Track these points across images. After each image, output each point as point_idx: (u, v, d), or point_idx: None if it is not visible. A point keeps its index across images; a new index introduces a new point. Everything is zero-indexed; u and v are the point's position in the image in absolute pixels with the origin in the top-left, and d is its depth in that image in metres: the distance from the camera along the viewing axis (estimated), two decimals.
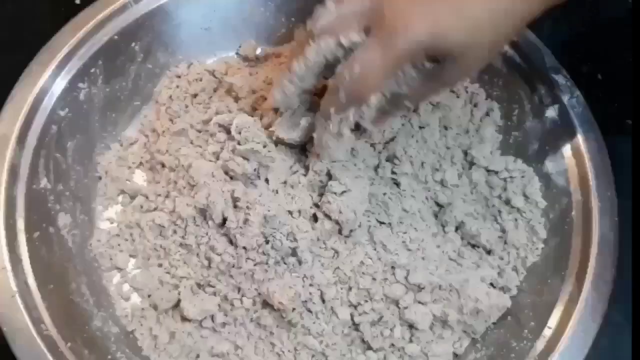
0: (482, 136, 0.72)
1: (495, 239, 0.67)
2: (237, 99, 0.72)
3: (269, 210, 0.63)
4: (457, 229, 0.68)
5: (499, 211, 0.69)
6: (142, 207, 0.69)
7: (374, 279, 0.64)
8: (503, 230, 0.68)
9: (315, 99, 0.63)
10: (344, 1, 0.57)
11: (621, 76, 0.65)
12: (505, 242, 0.67)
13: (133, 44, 0.73)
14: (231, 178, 0.66)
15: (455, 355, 0.65)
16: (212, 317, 0.64)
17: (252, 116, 0.67)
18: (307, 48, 0.57)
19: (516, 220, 0.68)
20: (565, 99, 0.68)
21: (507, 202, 0.69)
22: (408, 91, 0.56)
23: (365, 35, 0.54)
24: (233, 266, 0.64)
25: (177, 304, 0.64)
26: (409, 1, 0.53)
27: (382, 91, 0.56)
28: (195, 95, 0.75)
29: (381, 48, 0.53)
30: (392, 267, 0.64)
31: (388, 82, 0.55)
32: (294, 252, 0.64)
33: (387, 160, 0.68)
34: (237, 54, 0.79)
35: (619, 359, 0.63)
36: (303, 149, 0.67)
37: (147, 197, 0.69)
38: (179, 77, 0.76)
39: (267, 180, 0.66)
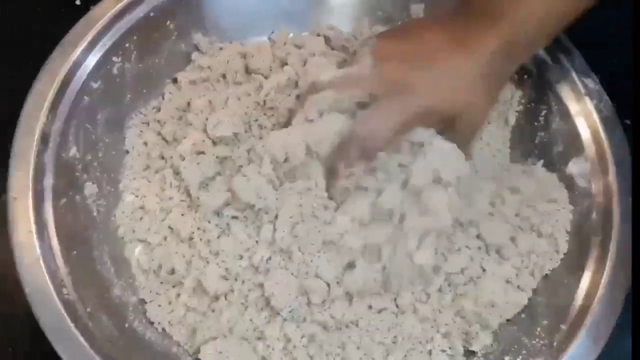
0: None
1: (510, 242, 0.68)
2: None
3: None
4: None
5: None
6: (166, 182, 0.70)
7: None
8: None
9: None
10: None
11: (620, 76, 0.64)
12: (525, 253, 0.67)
13: (168, 22, 0.73)
14: None
15: (467, 350, 0.65)
16: (229, 294, 0.65)
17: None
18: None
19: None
20: (593, 102, 0.68)
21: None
22: None
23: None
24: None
25: (195, 279, 0.65)
26: (414, 68, 0.61)
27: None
28: (224, 76, 0.76)
29: (393, 108, 0.60)
30: None
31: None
32: None
33: None
34: (269, 38, 0.79)
35: (619, 358, 0.63)
36: None
37: (173, 173, 0.70)
38: (211, 57, 0.76)
39: None
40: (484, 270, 0.65)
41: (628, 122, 0.68)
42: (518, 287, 0.66)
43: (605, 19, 0.65)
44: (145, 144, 0.73)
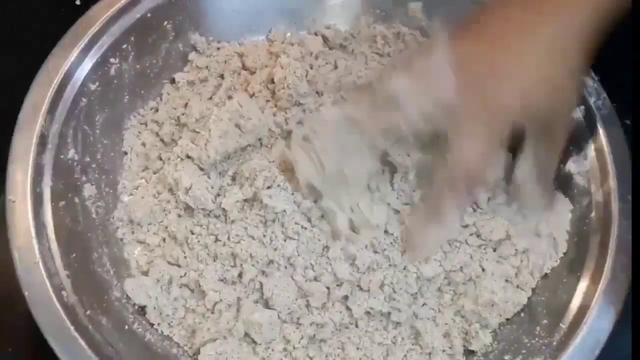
0: None
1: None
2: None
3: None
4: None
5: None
6: (164, 183, 0.70)
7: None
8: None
9: None
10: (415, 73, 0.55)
11: (620, 76, 0.64)
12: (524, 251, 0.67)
13: (165, 23, 0.73)
14: None
15: (467, 349, 0.65)
16: (228, 296, 0.65)
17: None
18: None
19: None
20: (591, 100, 0.68)
21: None
22: None
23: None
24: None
25: (194, 280, 0.65)
26: (491, 80, 0.53)
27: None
28: (222, 76, 0.76)
29: (483, 129, 0.54)
30: None
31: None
32: None
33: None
34: (267, 38, 0.79)
35: (619, 358, 0.63)
36: None
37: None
38: (209, 57, 0.76)
39: None
40: (483, 269, 0.65)
41: (628, 122, 0.68)
42: (518, 286, 0.66)
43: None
44: (144, 145, 0.73)
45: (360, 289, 0.64)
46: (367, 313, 0.64)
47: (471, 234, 0.67)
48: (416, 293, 0.65)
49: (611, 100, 0.68)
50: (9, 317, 0.65)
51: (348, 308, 0.64)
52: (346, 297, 0.64)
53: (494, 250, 0.67)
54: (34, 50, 0.68)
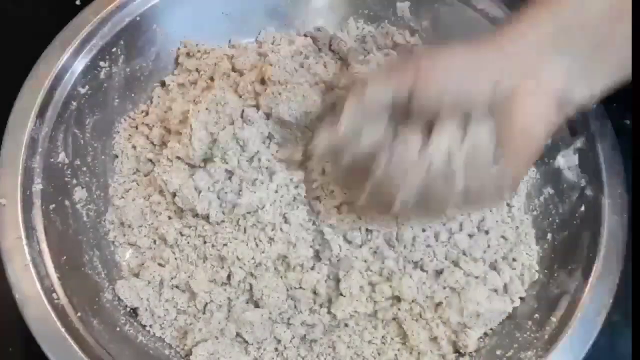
0: None
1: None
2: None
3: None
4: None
5: None
6: (155, 186, 0.70)
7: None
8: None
9: None
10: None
11: None
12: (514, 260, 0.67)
13: (154, 26, 0.74)
14: None
15: (457, 351, 0.65)
16: (219, 297, 0.65)
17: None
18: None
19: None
20: None
21: None
22: None
23: None
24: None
25: (185, 282, 0.65)
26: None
27: None
28: (212, 79, 0.76)
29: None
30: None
31: None
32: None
33: None
34: (256, 40, 0.79)
35: (619, 358, 0.63)
36: None
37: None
38: (199, 60, 0.76)
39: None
40: (467, 281, 0.65)
41: (628, 122, 0.68)
42: (505, 294, 0.66)
43: None
44: (134, 147, 0.73)
45: (342, 295, 0.64)
46: (352, 316, 0.64)
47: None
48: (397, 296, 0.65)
49: (611, 100, 0.68)
50: (8, 317, 0.65)
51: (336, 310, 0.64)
52: (329, 302, 0.65)
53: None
54: (34, 50, 0.68)
